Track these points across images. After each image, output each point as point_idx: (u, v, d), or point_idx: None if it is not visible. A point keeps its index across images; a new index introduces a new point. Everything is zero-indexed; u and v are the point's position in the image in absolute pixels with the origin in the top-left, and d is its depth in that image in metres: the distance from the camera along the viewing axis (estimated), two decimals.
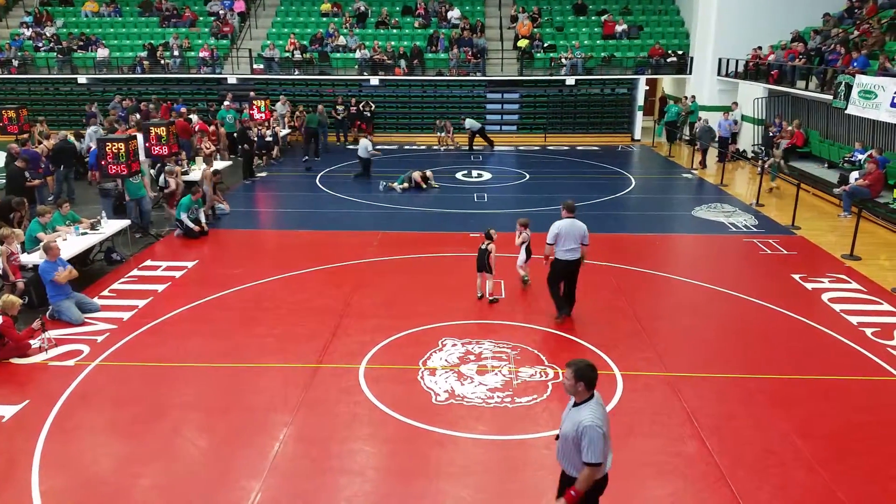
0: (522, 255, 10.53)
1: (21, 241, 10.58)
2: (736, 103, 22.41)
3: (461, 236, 13.19)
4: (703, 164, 20.51)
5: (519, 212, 10.43)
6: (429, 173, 17.71)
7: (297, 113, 23.50)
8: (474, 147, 23.37)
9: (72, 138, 16.83)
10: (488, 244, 10.02)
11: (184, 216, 13.12)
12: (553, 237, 9.04)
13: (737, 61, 23.01)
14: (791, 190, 15.72)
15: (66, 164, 15.75)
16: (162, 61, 25.46)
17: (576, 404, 4.76)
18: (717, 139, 21.17)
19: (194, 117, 20.14)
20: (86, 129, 19.79)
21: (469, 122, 23.04)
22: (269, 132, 21.06)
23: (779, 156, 18.08)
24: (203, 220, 13.44)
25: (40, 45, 26.51)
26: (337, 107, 23.96)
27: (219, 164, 16.62)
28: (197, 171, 15.94)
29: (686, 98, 24.30)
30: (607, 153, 23.06)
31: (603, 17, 26.73)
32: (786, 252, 12.54)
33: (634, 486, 6.17)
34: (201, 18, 27.74)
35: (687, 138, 23.41)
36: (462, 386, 7.78)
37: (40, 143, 16.31)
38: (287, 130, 22.81)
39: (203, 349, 8.72)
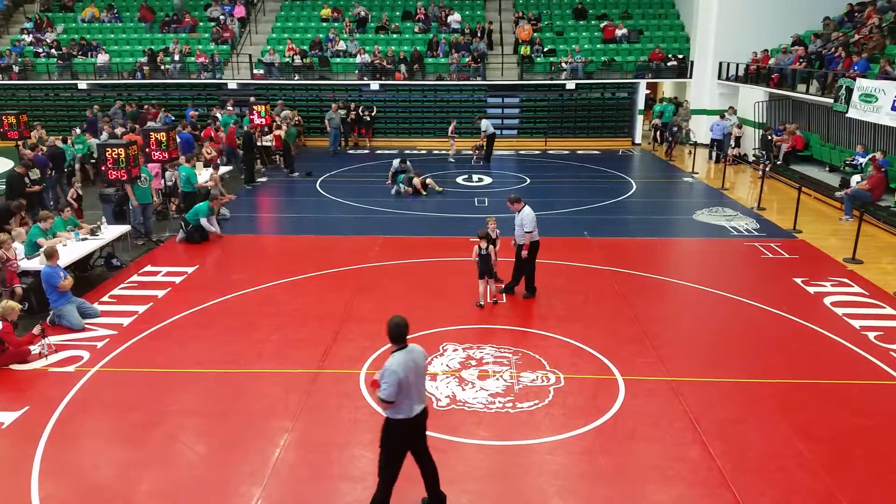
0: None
1: (22, 241, 10.57)
2: (732, 108, 22.32)
3: (462, 241, 13.15)
4: (668, 154, 22.70)
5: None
6: (428, 180, 17.64)
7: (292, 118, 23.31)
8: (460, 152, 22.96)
9: (60, 143, 17.01)
10: (488, 247, 9.97)
11: (204, 221, 13.18)
12: (533, 224, 10.11)
13: (737, 65, 23.02)
14: (792, 193, 15.70)
15: (58, 169, 15.88)
16: (162, 67, 25.48)
17: (392, 352, 5.54)
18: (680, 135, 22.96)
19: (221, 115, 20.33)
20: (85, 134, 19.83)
21: (484, 124, 21.89)
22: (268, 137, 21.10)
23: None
24: (216, 227, 13.52)
25: (40, 50, 26.55)
26: (339, 109, 23.95)
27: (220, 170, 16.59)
28: (199, 177, 15.90)
29: (679, 101, 24.45)
30: (608, 157, 23.05)
31: (603, 22, 26.75)
32: (787, 256, 12.52)
33: (637, 491, 6.14)
34: (201, 24, 27.78)
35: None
36: (463, 391, 7.76)
37: (39, 148, 16.31)
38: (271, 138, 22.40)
39: (203, 355, 8.69)
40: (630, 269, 11.79)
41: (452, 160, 22.18)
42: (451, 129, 22.82)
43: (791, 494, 6.05)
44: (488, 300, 10.19)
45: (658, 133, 24.51)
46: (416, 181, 17.33)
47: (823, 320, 9.69)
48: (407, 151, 23.78)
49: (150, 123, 20.00)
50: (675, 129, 23.00)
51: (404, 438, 5.60)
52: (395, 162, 18.27)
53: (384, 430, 5.58)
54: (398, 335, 5.51)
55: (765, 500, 5.97)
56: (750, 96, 22.27)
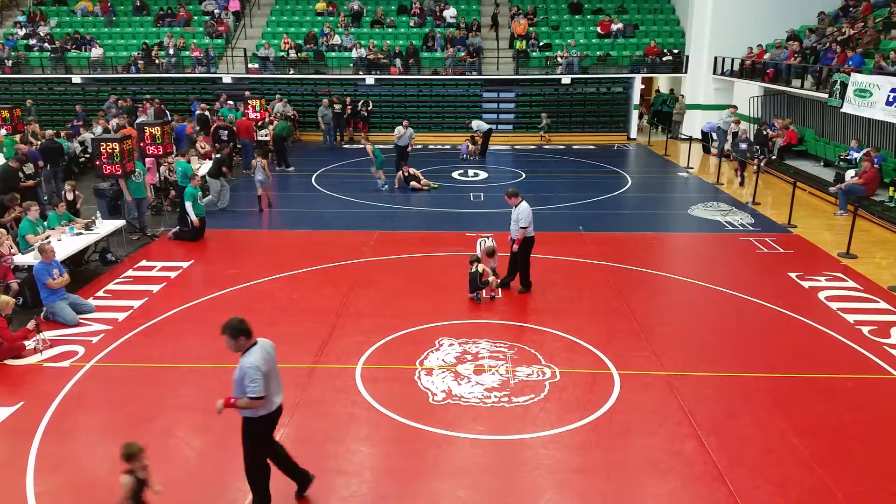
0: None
1: (14, 242, 10.50)
2: (735, 106, 22.18)
3: (457, 235, 13.17)
4: (739, 176, 18.67)
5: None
6: (423, 180, 17.48)
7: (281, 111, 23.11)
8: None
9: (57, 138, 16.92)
10: (477, 266, 10.06)
11: (204, 200, 13.18)
12: (529, 220, 10.05)
13: (732, 60, 23.03)
14: (787, 188, 15.73)
15: (53, 163, 15.83)
16: (157, 61, 25.36)
17: (242, 354, 5.43)
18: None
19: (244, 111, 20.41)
20: (77, 130, 19.75)
21: (476, 124, 21.83)
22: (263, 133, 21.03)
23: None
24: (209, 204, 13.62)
25: (33, 42, 26.38)
26: (334, 104, 23.89)
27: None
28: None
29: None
30: (603, 152, 23.06)
31: (598, 17, 26.73)
32: (782, 250, 12.55)
33: (632, 485, 6.16)
34: (196, 18, 27.65)
35: (684, 137, 23.36)
36: (459, 386, 7.76)
37: (32, 143, 16.24)
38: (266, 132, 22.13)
39: (198, 350, 8.67)
40: (625, 263, 11.81)
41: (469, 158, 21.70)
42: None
43: (786, 488, 6.08)
44: (484, 295, 10.20)
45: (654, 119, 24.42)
46: (400, 174, 17.21)
47: (818, 315, 9.72)
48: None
49: (142, 117, 19.88)
50: (744, 144, 18.61)
51: (269, 433, 5.69)
52: (398, 128, 18.80)
53: (248, 431, 5.56)
54: (246, 329, 5.39)
55: (759, 494, 6.00)
56: (745, 91, 22.28)
